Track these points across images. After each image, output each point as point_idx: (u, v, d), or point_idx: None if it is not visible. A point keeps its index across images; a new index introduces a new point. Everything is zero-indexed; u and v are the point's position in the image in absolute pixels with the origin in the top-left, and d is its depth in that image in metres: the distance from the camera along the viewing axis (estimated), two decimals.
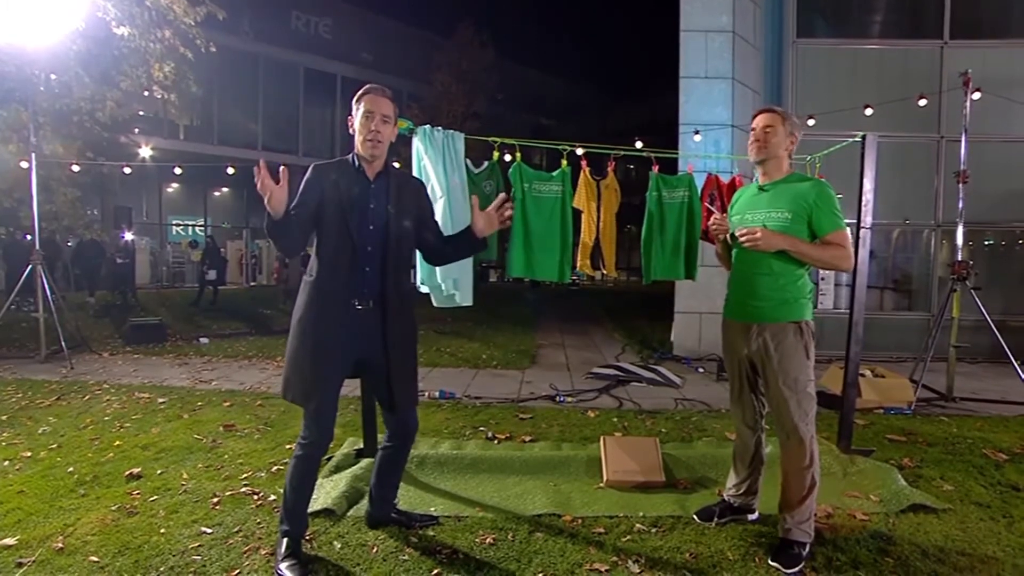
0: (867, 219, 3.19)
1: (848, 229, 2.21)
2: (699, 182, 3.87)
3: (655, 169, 3.68)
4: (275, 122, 18.92)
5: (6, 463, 3.09)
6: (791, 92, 7.55)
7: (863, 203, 3.19)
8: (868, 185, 3.20)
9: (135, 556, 2.18)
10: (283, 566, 2.05)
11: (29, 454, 3.24)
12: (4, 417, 4.00)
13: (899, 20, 7.94)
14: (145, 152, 13.68)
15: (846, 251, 2.17)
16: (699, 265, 3.87)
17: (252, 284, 18.75)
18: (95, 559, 2.14)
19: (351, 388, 4.88)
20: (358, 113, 2.15)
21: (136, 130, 12.72)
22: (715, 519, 2.46)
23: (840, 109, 6.43)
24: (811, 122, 6.71)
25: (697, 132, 6.18)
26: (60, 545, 2.23)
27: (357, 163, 2.19)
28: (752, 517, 2.51)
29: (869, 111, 5.90)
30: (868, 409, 4.41)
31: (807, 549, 2.19)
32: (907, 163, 7.40)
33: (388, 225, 2.16)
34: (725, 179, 4.01)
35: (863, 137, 3.23)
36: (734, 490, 2.51)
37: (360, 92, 2.19)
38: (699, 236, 3.73)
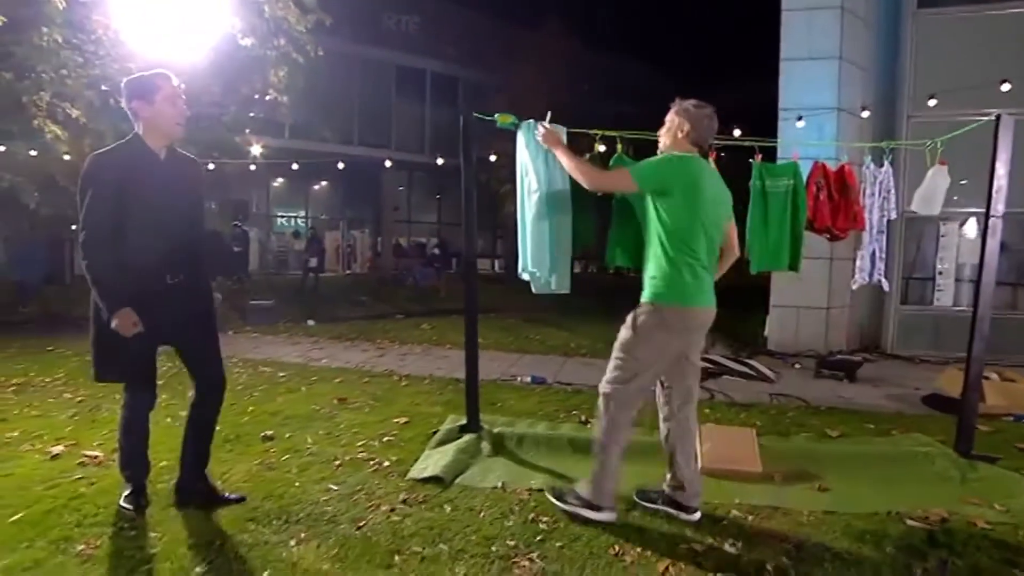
0: (999, 207, 2.96)
1: (628, 172, 2.41)
2: (804, 171, 3.70)
3: (758, 158, 3.57)
4: (370, 118, 19.92)
5: (168, 419, 3.62)
6: (909, 69, 6.92)
7: (995, 189, 2.96)
8: (1001, 170, 2.96)
9: (279, 502, 2.53)
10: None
11: (184, 413, 3.76)
12: (161, 382, 4.63)
13: None
14: (256, 150, 14.98)
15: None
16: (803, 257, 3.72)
17: (348, 272, 20.01)
18: (248, 501, 2.51)
19: (449, 370, 5.18)
20: (160, 96, 2.25)
21: (247, 130, 13.96)
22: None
23: (970, 86, 5.84)
24: (932, 102, 6.16)
25: (800, 118, 5.86)
26: (221, 485, 2.64)
27: (146, 146, 2.29)
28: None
29: (1006, 86, 5.30)
30: (994, 415, 4.06)
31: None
32: None
33: (180, 201, 2.39)
34: (832, 167, 3.79)
35: (997, 117, 2.98)
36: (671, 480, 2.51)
37: (152, 75, 2.29)
38: (804, 227, 3.57)
